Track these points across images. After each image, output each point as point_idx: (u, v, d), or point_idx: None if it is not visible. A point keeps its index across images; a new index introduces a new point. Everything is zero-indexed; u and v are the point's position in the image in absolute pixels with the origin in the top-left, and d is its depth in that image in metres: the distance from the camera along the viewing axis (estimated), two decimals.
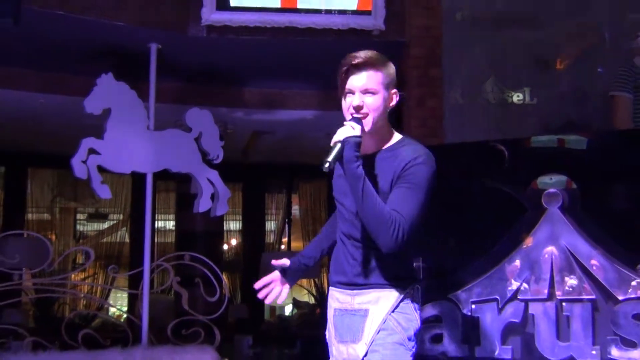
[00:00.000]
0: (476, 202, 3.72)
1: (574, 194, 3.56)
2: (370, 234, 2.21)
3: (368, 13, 5.14)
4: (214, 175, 5.08)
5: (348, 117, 2.28)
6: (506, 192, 3.72)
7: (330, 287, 2.48)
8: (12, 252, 4.65)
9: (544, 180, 3.65)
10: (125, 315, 6.16)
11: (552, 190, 3.58)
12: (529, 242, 3.57)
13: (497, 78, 5.65)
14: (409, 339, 2.29)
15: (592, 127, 4.71)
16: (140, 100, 4.91)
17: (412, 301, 2.33)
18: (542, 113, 5.47)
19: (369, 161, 2.32)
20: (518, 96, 5.62)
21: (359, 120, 2.26)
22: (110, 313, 6.63)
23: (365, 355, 2.27)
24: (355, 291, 2.34)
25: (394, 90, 2.38)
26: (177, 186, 8.04)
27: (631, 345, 3.29)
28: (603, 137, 3.92)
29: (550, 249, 3.52)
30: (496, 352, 3.50)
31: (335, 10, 5.11)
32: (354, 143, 2.20)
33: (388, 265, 2.30)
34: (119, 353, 4.45)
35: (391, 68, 2.39)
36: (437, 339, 3.62)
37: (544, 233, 3.56)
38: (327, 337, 2.48)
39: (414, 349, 2.30)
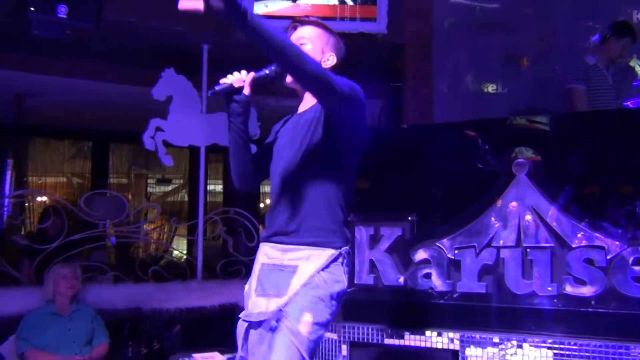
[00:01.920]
0: (459, 171, 3.63)
1: (537, 164, 3.46)
2: (289, 66, 1.81)
3: (373, 20, 5.02)
4: (253, 148, 5.02)
5: None
6: (483, 162, 3.63)
7: (261, 243, 2.05)
8: (97, 207, 4.65)
9: (514, 152, 3.57)
10: (184, 257, 6.16)
11: (520, 160, 3.48)
12: (501, 201, 3.48)
13: (475, 72, 5.53)
14: (331, 297, 1.85)
15: (552, 111, 4.58)
16: (195, 89, 4.86)
17: (342, 264, 1.91)
18: (512, 101, 5.35)
19: (294, 121, 2.07)
20: (492, 87, 5.50)
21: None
22: (173, 255, 6.62)
23: (286, 305, 1.83)
24: (287, 246, 1.91)
25: (330, 53, 2.05)
26: (225, 157, 8.01)
27: (581, 283, 3.22)
28: (562, 119, 3.80)
29: (518, 206, 3.43)
30: (474, 288, 3.44)
31: (347, 18, 4.99)
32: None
33: (321, 221, 1.90)
34: (180, 285, 4.45)
35: (331, 33, 2.10)
36: (427, 276, 3.57)
37: (513, 194, 3.47)
38: (245, 290, 2.05)
39: (333, 308, 1.87)
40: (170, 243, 6.65)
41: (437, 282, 3.51)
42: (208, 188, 9.27)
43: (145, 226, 6.32)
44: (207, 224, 5.20)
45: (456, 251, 3.49)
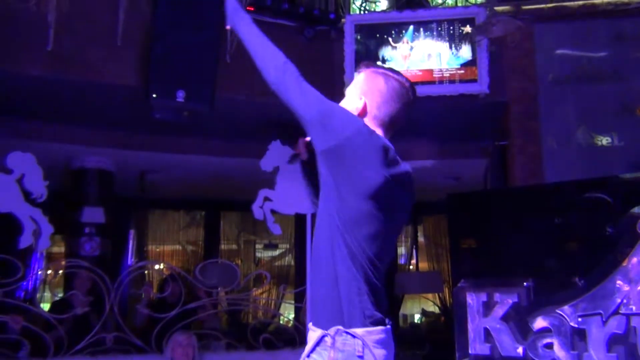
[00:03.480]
0: (576, 233, 3.44)
1: None
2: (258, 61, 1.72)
3: (474, 80, 5.00)
4: None
5: None
6: (600, 222, 3.41)
7: None
8: (211, 276, 4.84)
9: (638, 210, 3.33)
10: (292, 322, 6.20)
11: None
12: (627, 263, 3.23)
13: (587, 126, 5.28)
14: None
15: None
16: None
17: (332, 347, 1.60)
18: (629, 154, 5.03)
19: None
20: (607, 140, 5.21)
21: None
22: (281, 321, 6.70)
23: None
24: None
25: (362, 98, 1.80)
26: None
27: None
28: None
29: None
30: (602, 359, 3.18)
31: (446, 81, 5.01)
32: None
33: (320, 296, 1.68)
34: (290, 352, 4.48)
35: (374, 76, 1.83)
36: (549, 347, 3.34)
37: None
38: None
39: None
40: (278, 309, 6.74)
41: (560, 353, 3.28)
42: None
43: (254, 292, 6.46)
44: None
45: (580, 319, 3.26)
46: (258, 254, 10.27)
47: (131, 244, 8.37)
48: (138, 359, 4.05)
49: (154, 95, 4.21)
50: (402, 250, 10.21)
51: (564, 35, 5.33)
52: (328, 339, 1.61)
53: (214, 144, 5.75)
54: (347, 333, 1.59)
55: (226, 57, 4.61)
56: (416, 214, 9.99)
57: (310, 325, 1.71)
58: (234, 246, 9.92)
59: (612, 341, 3.14)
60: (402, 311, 9.27)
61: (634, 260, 3.22)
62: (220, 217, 9.30)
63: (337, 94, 5.23)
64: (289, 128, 5.45)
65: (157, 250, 9.21)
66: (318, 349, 1.63)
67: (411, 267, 10.16)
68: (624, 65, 5.23)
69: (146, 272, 8.03)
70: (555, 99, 5.27)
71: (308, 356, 1.66)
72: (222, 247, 9.43)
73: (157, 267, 8.18)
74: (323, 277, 1.66)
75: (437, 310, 9.78)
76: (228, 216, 9.51)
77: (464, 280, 3.66)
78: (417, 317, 10.55)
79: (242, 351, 4.51)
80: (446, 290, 8.86)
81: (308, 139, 1.83)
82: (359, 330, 1.59)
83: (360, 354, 1.58)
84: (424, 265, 9.88)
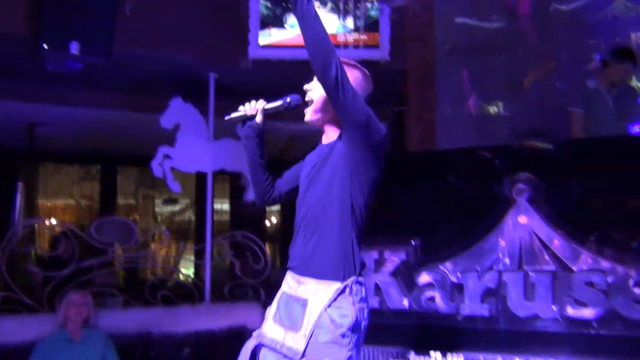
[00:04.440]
0: (461, 196, 3.73)
1: (538, 189, 3.56)
2: (310, 50, 1.89)
3: (376, 47, 5.14)
4: None
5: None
6: (484, 188, 3.72)
7: (287, 270, 2.11)
8: (107, 233, 4.76)
9: (514, 177, 3.66)
10: (191, 279, 6.24)
11: (520, 185, 3.58)
12: (502, 226, 3.57)
13: (478, 95, 5.62)
14: (343, 335, 1.87)
15: (552, 134, 4.66)
16: (202, 117, 4.98)
17: (351, 294, 1.91)
18: (514, 123, 5.43)
19: (317, 153, 2.12)
20: (494, 110, 5.59)
21: (305, 104, 2.13)
22: (180, 277, 6.70)
23: (305, 350, 1.88)
24: (301, 278, 1.99)
25: None
26: (231, 179, 8.13)
27: (583, 305, 3.30)
28: (563, 144, 3.89)
29: (519, 231, 3.52)
30: (477, 310, 3.52)
31: (350, 46, 5.12)
32: None
33: (330, 254, 1.95)
34: (189, 309, 4.54)
35: (355, 70, 2.09)
36: (431, 299, 3.65)
37: (514, 219, 3.56)
38: (267, 311, 2.11)
39: (350, 344, 1.89)
40: (177, 266, 6.74)
41: (441, 305, 3.60)
42: (215, 208, 9.37)
43: (152, 249, 6.40)
44: (214, 247, 5.29)
45: (459, 275, 3.58)
46: (157, 209, 10.10)
47: (19, 198, 7.93)
48: (29, 319, 3.95)
49: (45, 46, 3.98)
50: None
51: (461, 6, 5.59)
52: (347, 290, 1.90)
53: (111, 97, 5.53)
54: (359, 282, 1.94)
55: (125, 9, 4.43)
56: None
57: (312, 280, 1.95)
58: (132, 201, 9.68)
59: (486, 294, 3.48)
60: None
61: (508, 222, 3.56)
62: (116, 171, 9.00)
63: (240, 52, 5.23)
64: (189, 85, 5.40)
65: (49, 205, 8.79)
66: (340, 298, 1.89)
67: None
68: (514, 38, 5.59)
69: (37, 228, 7.68)
70: (451, 68, 5.55)
71: (329, 306, 1.88)
72: (119, 202, 9.17)
73: (48, 223, 7.83)
74: (333, 236, 1.95)
75: None
76: (125, 171, 9.23)
77: None
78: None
79: (139, 308, 4.51)
80: None
81: (264, 105, 2.20)
82: (361, 278, 1.97)
83: (364, 296, 1.96)
84: None
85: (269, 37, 5.04)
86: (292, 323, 1.94)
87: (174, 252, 7.85)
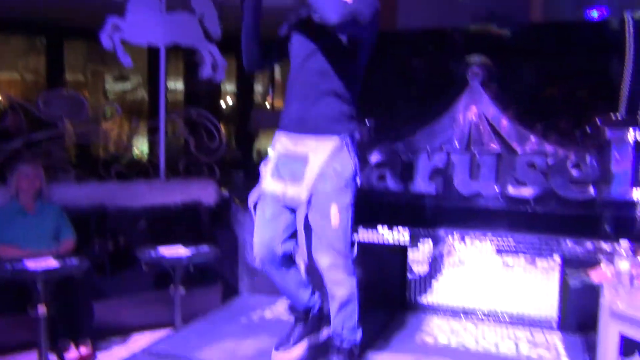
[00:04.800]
0: (415, 78, 3.75)
1: (491, 73, 3.61)
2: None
3: None
4: (214, 48, 4.99)
5: None
6: (440, 70, 3.75)
7: (278, 132, 2.26)
8: (56, 107, 4.61)
9: (470, 59, 3.68)
10: (146, 156, 6.22)
11: (474, 68, 3.61)
12: (454, 108, 3.64)
13: None
14: (347, 183, 2.10)
15: (511, 18, 4.65)
16: None
17: (348, 149, 2.13)
18: (473, 6, 5.36)
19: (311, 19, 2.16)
20: None
21: None
22: (134, 155, 6.67)
23: (309, 200, 2.08)
24: (298, 136, 2.14)
25: None
26: (186, 55, 7.87)
27: (523, 184, 3.48)
28: (519, 28, 3.90)
29: (470, 113, 3.61)
30: (424, 188, 3.68)
31: None
32: None
33: (327, 113, 2.11)
34: (144, 184, 4.57)
35: None
36: (382, 177, 3.77)
37: (466, 102, 3.64)
38: (261, 170, 2.29)
39: (352, 188, 2.13)
40: (130, 142, 6.67)
41: (391, 183, 3.73)
42: (168, 86, 9.15)
43: (104, 125, 6.29)
44: (168, 124, 5.23)
45: (410, 154, 3.69)
46: (107, 87, 9.78)
47: None
48: None
49: None
50: (258, 87, 10.31)
51: None
52: (345, 144, 2.10)
53: None
54: (354, 138, 2.15)
55: None
56: None
57: (312, 136, 2.10)
58: (81, 77, 9.32)
59: (433, 173, 3.62)
60: (255, 147, 9.60)
61: (461, 104, 3.64)
62: (63, 44, 8.56)
63: None
64: None
65: None
66: (339, 152, 2.08)
67: (267, 104, 10.38)
68: None
69: None
70: None
71: (331, 159, 2.06)
72: (67, 78, 8.81)
73: None
74: (332, 98, 2.10)
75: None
76: (72, 44, 8.79)
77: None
78: (270, 153, 11.00)
79: (93, 182, 4.50)
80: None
81: None
82: (356, 134, 2.17)
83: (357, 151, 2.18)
84: (279, 104, 10.12)
85: None
86: (293, 177, 2.12)
87: (127, 130, 7.73)
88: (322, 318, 2.40)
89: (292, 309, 2.44)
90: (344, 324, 2.18)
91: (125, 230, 4.23)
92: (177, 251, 3.54)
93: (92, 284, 3.56)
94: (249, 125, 7.86)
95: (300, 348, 2.35)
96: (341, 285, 2.14)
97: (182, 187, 4.60)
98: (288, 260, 2.24)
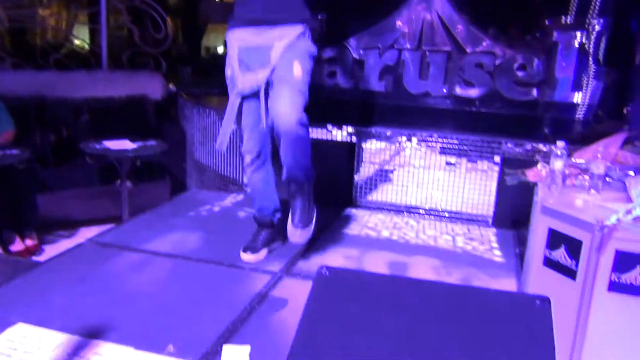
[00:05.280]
0: None
1: None
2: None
3: None
4: None
5: None
6: None
7: (233, 29, 2.25)
8: None
9: None
10: (87, 47, 5.91)
11: None
12: (408, 4, 3.57)
13: None
14: (310, 55, 2.17)
15: None
16: None
17: (311, 34, 2.20)
18: None
19: None
20: None
21: None
22: (74, 44, 6.32)
23: (274, 67, 2.12)
24: (261, 28, 2.17)
25: None
26: None
27: (470, 85, 3.52)
28: None
29: (425, 13, 3.55)
30: (374, 86, 3.67)
31: None
32: None
33: (287, 4, 2.16)
34: (85, 74, 4.38)
35: None
36: (332, 74, 3.73)
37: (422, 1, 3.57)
38: (227, 74, 2.29)
39: (312, 63, 2.18)
40: (70, 30, 6.31)
41: (341, 80, 3.70)
42: None
43: (40, 11, 5.89)
44: (110, 12, 4.94)
45: (361, 51, 3.64)
46: None
47: None
48: None
49: None
50: None
51: None
52: (308, 30, 2.16)
53: None
54: (315, 24, 2.23)
55: None
56: None
57: (276, 27, 2.13)
58: None
59: (384, 71, 3.60)
60: (204, 42, 9.25)
61: (415, 3, 3.56)
62: None
63: None
64: None
65: None
66: (303, 37, 2.14)
67: None
68: None
69: None
70: None
71: (296, 41, 2.11)
72: None
73: None
74: None
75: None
76: None
77: None
78: (219, 50, 10.68)
79: (31, 71, 4.28)
80: None
81: None
82: (316, 21, 2.22)
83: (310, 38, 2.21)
84: None
85: None
86: (260, 64, 2.14)
87: (66, 17, 7.26)
88: (281, 228, 2.46)
89: (259, 212, 2.48)
90: (296, 158, 2.19)
91: (68, 122, 4.10)
92: (122, 145, 3.47)
93: (35, 175, 3.48)
94: (198, 18, 7.52)
95: (265, 252, 2.44)
96: (297, 126, 2.13)
97: (127, 79, 4.43)
98: (271, 159, 2.35)
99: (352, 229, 2.95)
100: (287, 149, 2.13)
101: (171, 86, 4.73)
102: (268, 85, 2.13)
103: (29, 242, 3.27)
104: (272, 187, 2.44)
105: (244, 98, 2.24)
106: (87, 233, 3.47)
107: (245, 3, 2.22)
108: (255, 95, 2.20)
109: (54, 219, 3.52)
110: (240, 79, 2.22)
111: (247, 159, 2.35)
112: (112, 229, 2.88)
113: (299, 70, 2.11)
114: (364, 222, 3.07)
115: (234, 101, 2.26)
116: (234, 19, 2.24)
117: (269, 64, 2.15)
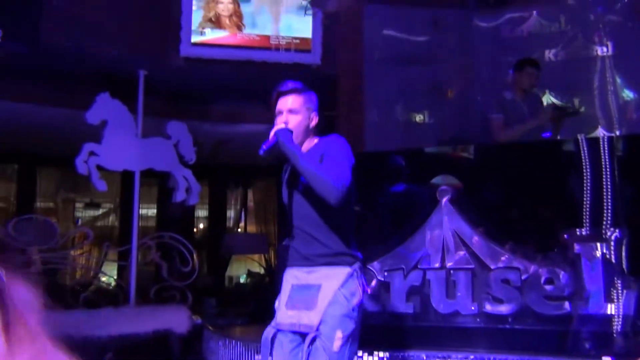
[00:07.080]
0: (388, 197, 3.83)
1: (459, 191, 3.71)
2: (318, 192, 2.11)
3: (308, 51, 5.21)
4: (188, 173, 5.07)
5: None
6: (409, 188, 3.84)
7: (287, 269, 2.36)
8: (26, 233, 4.53)
9: (438, 179, 3.80)
10: (114, 283, 6.04)
11: (443, 187, 3.72)
12: (426, 226, 3.69)
13: (404, 102, 5.79)
14: (353, 310, 2.17)
15: (473, 140, 4.86)
16: (131, 114, 4.86)
17: (356, 278, 2.23)
18: (438, 130, 5.63)
19: None
20: (420, 117, 5.78)
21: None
22: (101, 281, 6.47)
23: (319, 324, 2.13)
24: (312, 269, 2.24)
25: (314, 114, 2.32)
26: (159, 181, 7.94)
27: (499, 302, 3.46)
28: (483, 149, 4.08)
29: (442, 231, 3.65)
30: (402, 308, 3.61)
31: (282, 49, 5.16)
32: (287, 130, 2.21)
33: (335, 245, 2.23)
34: (112, 311, 4.39)
35: (312, 95, 2.35)
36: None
37: (437, 219, 3.69)
38: (276, 305, 2.34)
39: (356, 317, 2.19)
40: (100, 268, 6.51)
41: (367, 303, 3.66)
42: (140, 212, 9.08)
43: (73, 252, 6.16)
44: (140, 249, 5.16)
45: (386, 273, 3.67)
46: (78, 214, 9.69)
47: None
48: None
49: None
50: (231, 213, 10.33)
51: (389, 18, 5.75)
52: (354, 273, 2.22)
53: (34, 90, 5.28)
54: (361, 268, 2.28)
55: None
56: (247, 178, 10.19)
57: (324, 268, 2.23)
58: (51, 204, 9.24)
59: (410, 292, 3.58)
60: (228, 272, 9.42)
61: (432, 223, 3.69)
62: (36, 172, 8.58)
63: (171, 50, 5.10)
64: (118, 81, 5.25)
65: None
66: (349, 280, 2.19)
67: (239, 229, 10.35)
68: (437, 50, 5.80)
69: None
70: (379, 76, 5.69)
71: (342, 287, 2.17)
72: (38, 205, 8.74)
73: None
74: (336, 231, 2.24)
75: (262, 271, 10.12)
76: (45, 171, 8.82)
77: (287, 239, 3.88)
78: (242, 278, 10.82)
79: (59, 311, 4.31)
80: (272, 253, 9.21)
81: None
82: (361, 264, 2.30)
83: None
84: (252, 229, 10.10)
85: (201, 35, 4.99)
86: (307, 304, 2.20)
87: (96, 255, 7.56)
88: None
89: None
90: None
91: None
92: None
93: None
94: (221, 250, 7.79)
95: None
96: None
97: (153, 314, 4.44)
98: None
99: None
100: None
101: (195, 318, 4.70)
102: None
103: None
104: None
105: (281, 332, 2.26)
106: None
107: (294, 245, 2.34)
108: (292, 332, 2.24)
109: None
110: (282, 312, 2.27)
111: None
112: None
113: (339, 344, 2.13)
114: None
115: (268, 332, 2.27)
116: (289, 259, 2.35)
117: (314, 307, 2.18)
